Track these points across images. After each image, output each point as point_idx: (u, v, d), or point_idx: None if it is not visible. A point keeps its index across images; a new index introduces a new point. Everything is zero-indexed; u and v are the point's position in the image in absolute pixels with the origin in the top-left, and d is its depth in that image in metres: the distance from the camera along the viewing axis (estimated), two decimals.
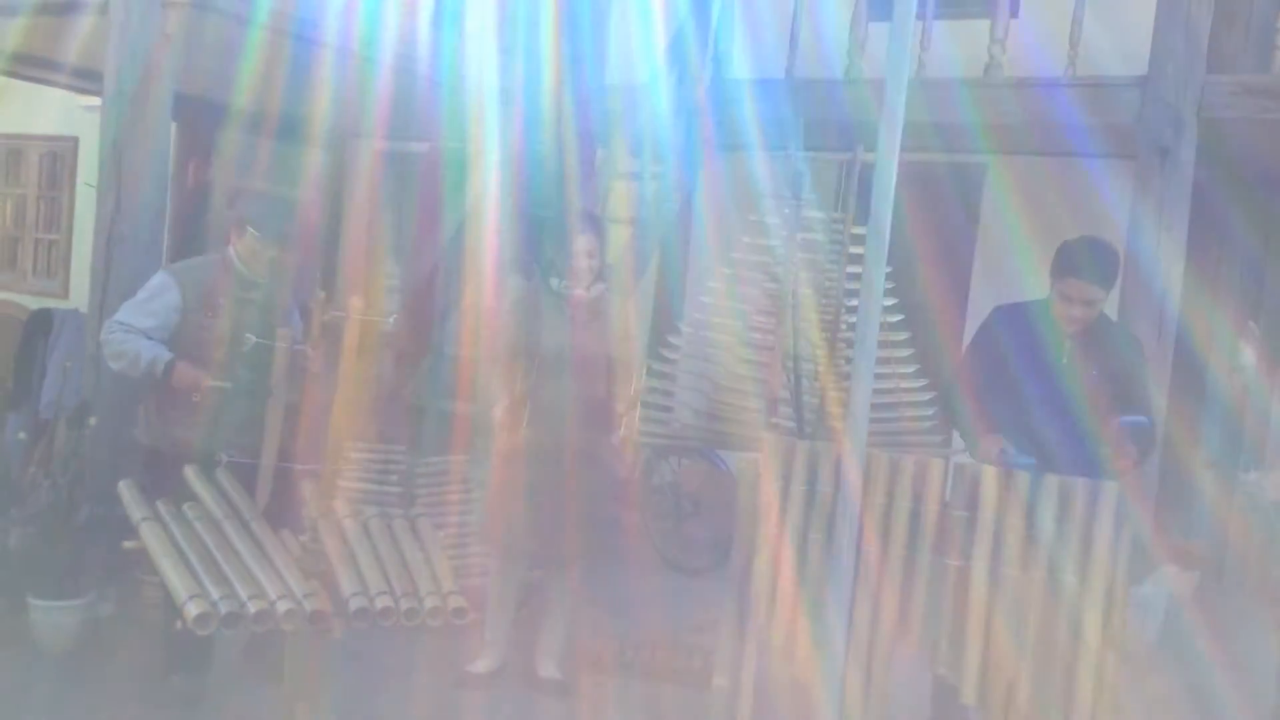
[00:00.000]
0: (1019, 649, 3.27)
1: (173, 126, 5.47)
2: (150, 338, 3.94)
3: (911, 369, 4.85)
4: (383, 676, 4.28)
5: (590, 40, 6.72)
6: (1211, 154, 5.50)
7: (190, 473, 3.43)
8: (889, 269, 3.43)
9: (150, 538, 3.23)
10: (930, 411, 4.83)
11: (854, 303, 4.28)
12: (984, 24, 5.89)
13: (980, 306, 5.44)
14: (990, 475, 3.33)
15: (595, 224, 4.41)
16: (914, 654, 3.42)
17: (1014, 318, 3.91)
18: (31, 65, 6.74)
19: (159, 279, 4.10)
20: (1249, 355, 5.29)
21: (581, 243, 4.22)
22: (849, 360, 4.07)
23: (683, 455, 6.37)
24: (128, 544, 3.30)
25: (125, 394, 4.46)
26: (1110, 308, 5.40)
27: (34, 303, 7.54)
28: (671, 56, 6.45)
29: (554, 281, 4.26)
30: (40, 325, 6.32)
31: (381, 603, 3.19)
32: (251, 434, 3.72)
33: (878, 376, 3.78)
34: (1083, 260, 3.75)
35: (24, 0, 5.31)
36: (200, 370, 3.90)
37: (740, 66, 6.73)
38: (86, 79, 6.74)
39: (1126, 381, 3.80)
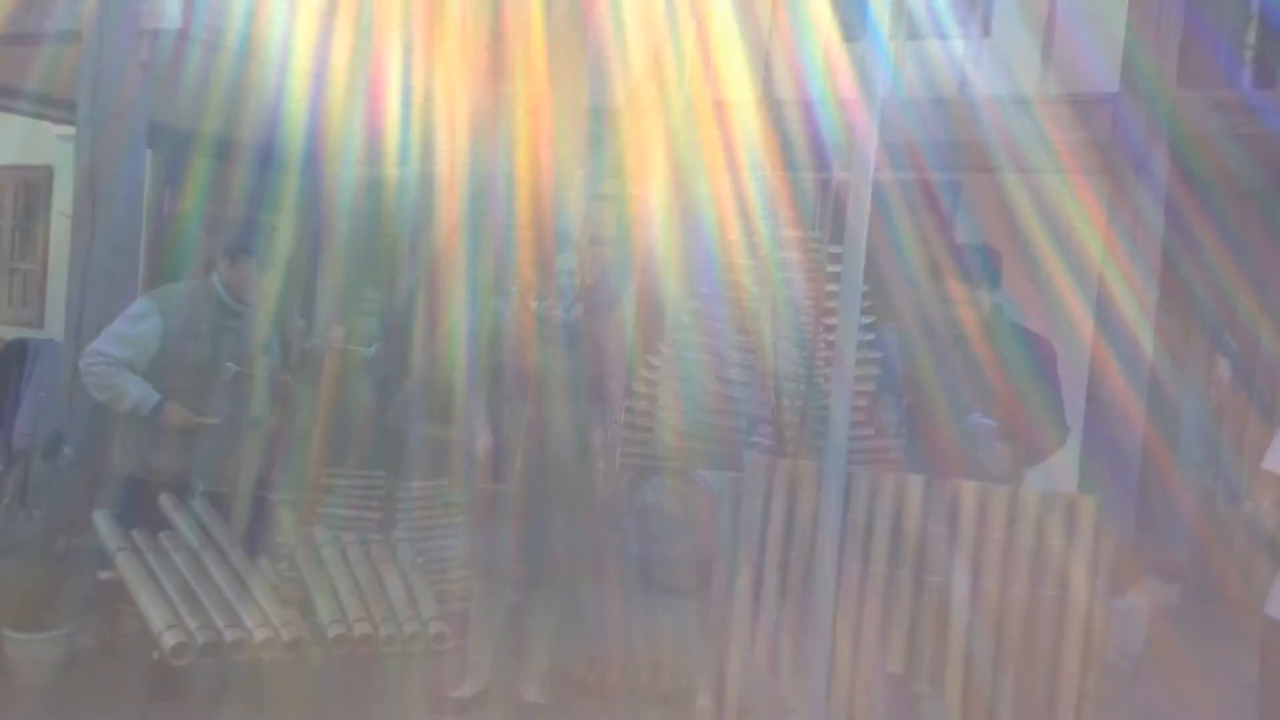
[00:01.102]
0: (1001, 663, 3.28)
1: (148, 155, 5.46)
2: (132, 368, 3.92)
3: None
4: (364, 703, 4.24)
5: (569, 62, 6.73)
6: (1184, 169, 5.55)
7: (166, 502, 3.41)
8: (866, 287, 3.46)
9: (127, 568, 3.22)
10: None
11: (832, 321, 4.30)
12: (957, 44, 5.94)
13: None
14: (969, 492, 3.34)
15: (572, 244, 4.42)
16: (896, 671, 3.41)
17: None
18: (5, 94, 6.72)
19: (140, 305, 4.08)
20: (1224, 368, 5.33)
21: (560, 262, 4.22)
22: (828, 379, 4.08)
23: (664, 475, 6.35)
24: (104, 574, 3.28)
25: (100, 424, 4.43)
26: (1085, 321, 5.46)
27: (9, 332, 7.50)
28: (653, 77, 6.48)
29: (533, 303, 4.26)
30: (15, 355, 6.28)
31: (360, 629, 3.18)
32: (229, 462, 3.70)
33: (856, 394, 3.79)
34: (956, 265, 3.99)
35: None
36: (185, 408, 3.88)
37: (718, 88, 6.76)
38: (61, 108, 6.73)
39: (1028, 382, 3.92)
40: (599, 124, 6.65)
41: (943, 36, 6.33)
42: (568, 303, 4.26)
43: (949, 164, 6.46)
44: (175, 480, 3.72)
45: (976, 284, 4.00)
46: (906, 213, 6.08)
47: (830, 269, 4.61)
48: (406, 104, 6.11)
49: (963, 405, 3.93)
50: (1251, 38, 5.75)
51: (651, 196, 6.40)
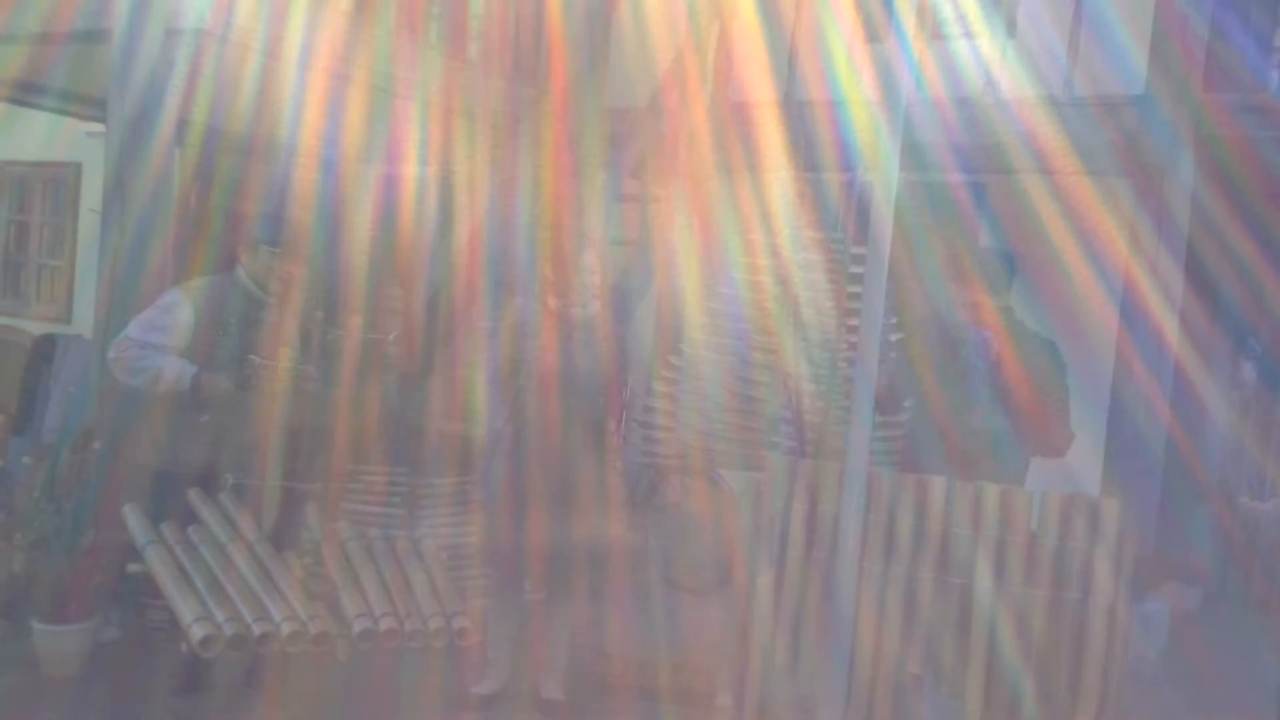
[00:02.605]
0: (1023, 667, 3.27)
1: (176, 153, 5.51)
2: (166, 353, 3.94)
3: None
4: (386, 698, 4.27)
5: (591, 63, 6.76)
6: (1210, 170, 5.53)
7: (194, 496, 3.45)
8: (889, 287, 3.46)
9: (155, 561, 3.25)
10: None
11: (855, 321, 4.31)
12: (981, 45, 5.93)
13: None
14: (992, 493, 3.34)
15: (593, 243, 4.46)
16: (917, 672, 3.42)
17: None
18: (35, 92, 6.78)
19: (171, 296, 4.10)
20: (1249, 370, 5.31)
21: (580, 261, 4.26)
22: (850, 379, 4.09)
23: (685, 475, 6.36)
24: (133, 567, 3.32)
25: (129, 418, 4.47)
26: (1110, 323, 5.44)
27: (38, 328, 7.56)
28: (673, 79, 6.49)
29: (553, 302, 4.29)
30: (44, 351, 6.34)
31: (385, 624, 3.21)
32: (256, 454, 3.73)
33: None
34: (965, 268, 4.09)
35: (27, 27, 5.35)
36: (222, 377, 3.90)
37: (740, 89, 6.77)
38: (90, 106, 6.78)
39: (1034, 384, 3.95)
40: (622, 124, 6.67)
41: (967, 37, 6.32)
42: (588, 299, 4.29)
43: (973, 165, 6.44)
44: (204, 472, 3.74)
45: (995, 287, 4.01)
46: (930, 214, 6.08)
47: (853, 270, 4.61)
48: (427, 103, 6.15)
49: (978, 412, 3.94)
50: (1279, 42, 5.71)
51: (673, 197, 6.41)
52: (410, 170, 7.30)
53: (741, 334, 5.04)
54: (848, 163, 5.14)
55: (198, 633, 3.01)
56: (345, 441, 3.82)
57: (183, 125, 5.23)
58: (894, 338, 4.66)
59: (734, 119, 6.31)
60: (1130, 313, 5.24)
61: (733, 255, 4.78)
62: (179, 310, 4.01)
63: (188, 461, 3.92)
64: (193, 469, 3.86)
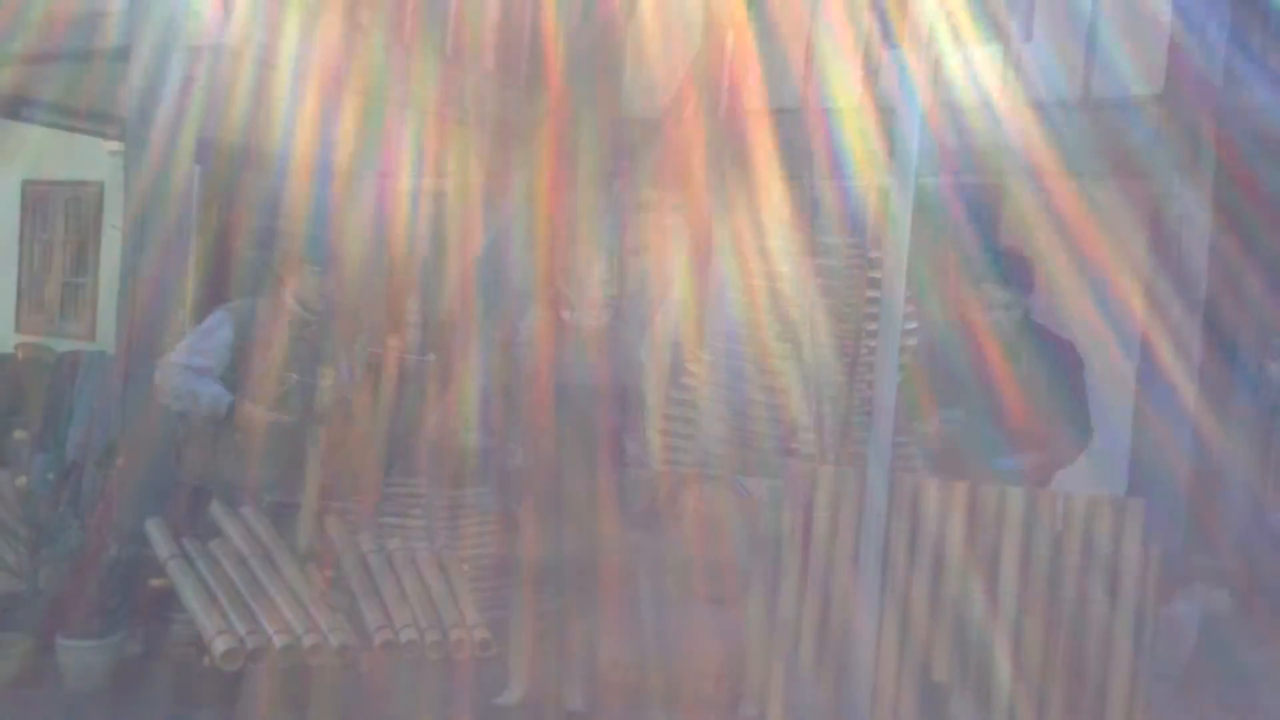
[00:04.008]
0: (1049, 671, 3.24)
1: (196, 170, 5.54)
2: (205, 376, 3.98)
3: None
4: (408, 710, 4.27)
5: (605, 72, 6.77)
6: (1229, 172, 5.48)
7: (217, 509, 3.46)
8: (908, 292, 3.46)
9: (178, 575, 3.26)
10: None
11: (874, 326, 4.30)
12: (999, 48, 5.91)
13: None
14: (1016, 497, 3.31)
15: (605, 253, 4.47)
16: (940, 680, 3.39)
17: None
18: (56, 111, 6.85)
19: (215, 316, 4.15)
20: (1274, 371, 5.26)
21: (595, 271, 4.27)
22: (870, 384, 4.08)
23: (706, 482, 6.34)
24: (155, 582, 3.33)
25: (152, 435, 4.50)
26: (1133, 325, 5.40)
27: (62, 345, 7.62)
28: (688, 87, 6.49)
29: (566, 313, 4.29)
30: (68, 368, 6.39)
31: (406, 635, 3.20)
32: (296, 474, 3.75)
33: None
34: (994, 268, 4.02)
35: (47, 47, 5.40)
36: (258, 407, 3.94)
37: (756, 96, 6.76)
38: (110, 123, 6.84)
39: (1053, 387, 3.92)
40: (637, 133, 6.67)
41: (985, 41, 6.30)
42: (600, 312, 4.29)
43: (991, 168, 6.41)
44: (244, 492, 3.80)
45: (1014, 289, 4.00)
46: (948, 218, 6.06)
47: (871, 274, 4.60)
48: (442, 116, 6.16)
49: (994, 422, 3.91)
50: None
51: (689, 205, 6.41)
52: (425, 182, 7.32)
53: (761, 340, 5.03)
54: (864, 168, 5.14)
55: (220, 646, 3.01)
56: (378, 459, 3.84)
57: (202, 142, 5.26)
58: (911, 343, 4.64)
59: (749, 126, 6.30)
60: (1153, 314, 5.19)
61: (750, 262, 4.78)
62: (221, 331, 4.05)
63: (228, 479, 3.96)
64: (233, 486, 3.90)
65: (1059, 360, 4.04)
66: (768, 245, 5.14)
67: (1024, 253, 4.26)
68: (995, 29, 5.94)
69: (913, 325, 4.65)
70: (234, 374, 4.01)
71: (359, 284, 5.13)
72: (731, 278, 4.72)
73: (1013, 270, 4.07)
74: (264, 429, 3.91)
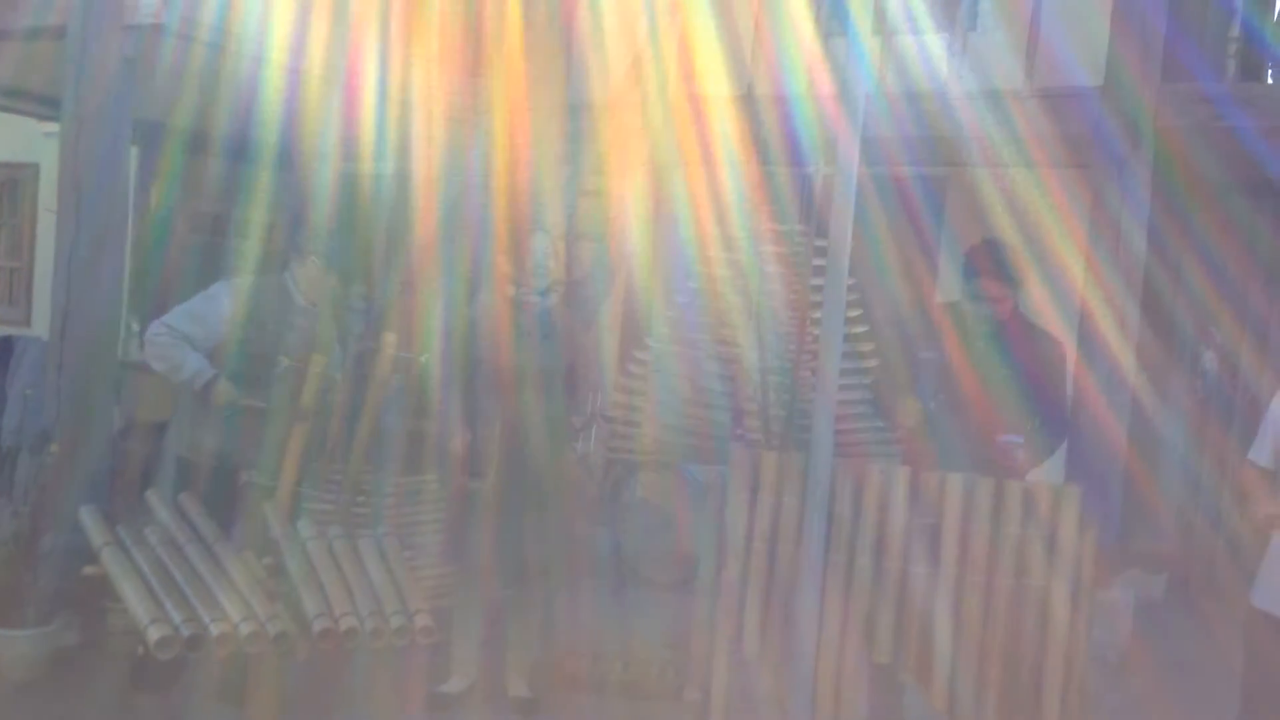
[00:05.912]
0: (985, 654, 3.29)
1: (133, 151, 5.43)
2: (195, 345, 3.99)
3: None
4: (350, 698, 4.24)
5: (555, 58, 6.73)
6: (1168, 162, 5.57)
7: (151, 496, 3.41)
8: (852, 280, 3.47)
9: (111, 563, 3.21)
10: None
11: (819, 314, 4.32)
12: (940, 39, 5.95)
13: None
14: (954, 483, 3.35)
15: (545, 230, 4.49)
16: (883, 662, 3.42)
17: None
18: None
19: (216, 287, 4.18)
20: (1209, 360, 5.35)
21: (533, 245, 4.27)
22: (814, 371, 4.10)
23: (650, 470, 6.35)
24: (88, 569, 3.28)
25: (86, 422, 4.43)
26: (1072, 314, 5.47)
27: None
28: (633, 74, 6.47)
29: (510, 290, 4.28)
30: (2, 353, 6.25)
31: (346, 623, 3.18)
32: (274, 459, 3.75)
33: (843, 387, 3.80)
34: (989, 261, 4.02)
35: None
36: (237, 388, 3.96)
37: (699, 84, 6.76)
38: (45, 104, 6.68)
39: (1040, 377, 3.94)
40: (582, 120, 6.64)
41: (925, 31, 6.34)
42: (543, 287, 4.28)
43: (931, 159, 6.47)
44: (225, 466, 3.90)
45: (1007, 281, 4.01)
46: (888, 209, 6.10)
47: (815, 263, 4.61)
48: (384, 99, 6.10)
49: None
50: (1235, 32, 5.75)
51: (634, 192, 6.40)
52: (365, 166, 7.21)
53: (705, 327, 5.03)
54: (805, 157, 5.15)
55: (154, 634, 2.97)
56: (362, 448, 3.88)
57: (139, 124, 5.16)
58: (859, 330, 4.66)
59: (693, 114, 6.30)
60: (1089, 303, 5.26)
61: (694, 249, 4.78)
62: (218, 302, 4.09)
63: (211, 450, 4.01)
64: (215, 458, 3.97)
65: (1046, 352, 4.06)
66: (719, 232, 5.15)
67: (1009, 245, 4.25)
68: (943, 17, 5.98)
69: (857, 313, 4.68)
70: (226, 347, 4.03)
71: (364, 281, 5.14)
72: (682, 264, 4.73)
73: (1004, 263, 4.07)
74: (242, 410, 3.94)
